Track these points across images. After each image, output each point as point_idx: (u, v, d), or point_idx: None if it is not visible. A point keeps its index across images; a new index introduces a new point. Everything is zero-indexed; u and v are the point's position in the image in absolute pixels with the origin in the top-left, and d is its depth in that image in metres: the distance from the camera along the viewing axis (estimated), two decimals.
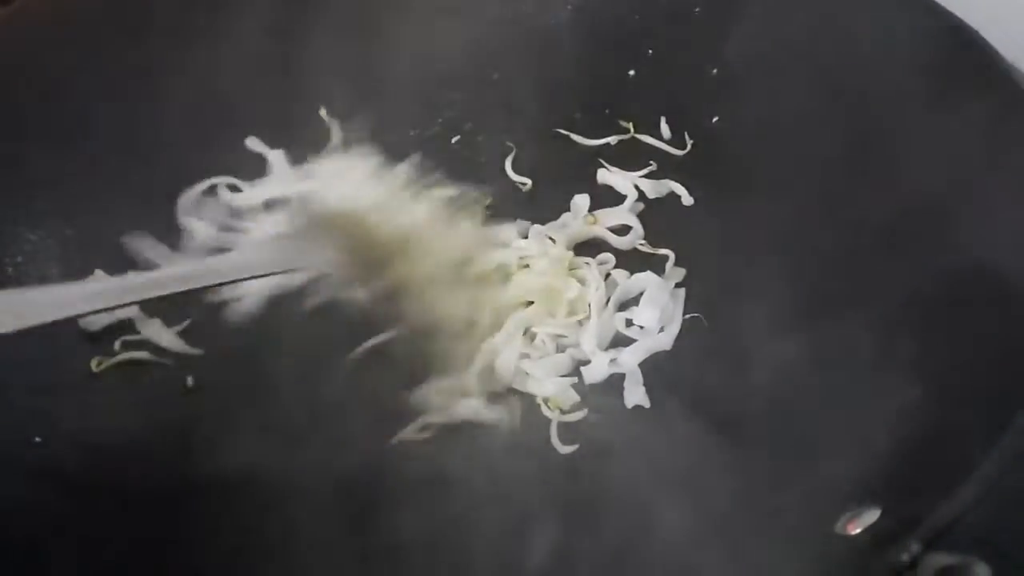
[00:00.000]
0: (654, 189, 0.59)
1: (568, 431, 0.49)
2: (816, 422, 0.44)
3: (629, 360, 0.52)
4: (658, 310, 0.54)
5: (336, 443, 0.48)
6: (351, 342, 0.50)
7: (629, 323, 0.54)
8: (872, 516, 0.35)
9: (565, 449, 0.48)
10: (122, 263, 0.53)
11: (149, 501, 0.44)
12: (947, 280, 0.44)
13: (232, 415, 0.48)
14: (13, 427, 0.45)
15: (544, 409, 0.50)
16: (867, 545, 0.34)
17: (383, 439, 0.48)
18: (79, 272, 0.52)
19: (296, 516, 0.44)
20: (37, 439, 0.43)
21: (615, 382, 0.51)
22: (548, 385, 0.51)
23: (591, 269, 0.55)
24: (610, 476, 0.46)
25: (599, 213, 0.58)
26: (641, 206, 0.59)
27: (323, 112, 0.62)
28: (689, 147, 0.60)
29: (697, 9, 0.62)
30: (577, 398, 0.50)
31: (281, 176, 0.58)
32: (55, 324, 0.38)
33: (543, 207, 0.58)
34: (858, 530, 0.35)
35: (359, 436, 0.48)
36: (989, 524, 0.34)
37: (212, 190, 0.58)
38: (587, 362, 0.52)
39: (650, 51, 0.63)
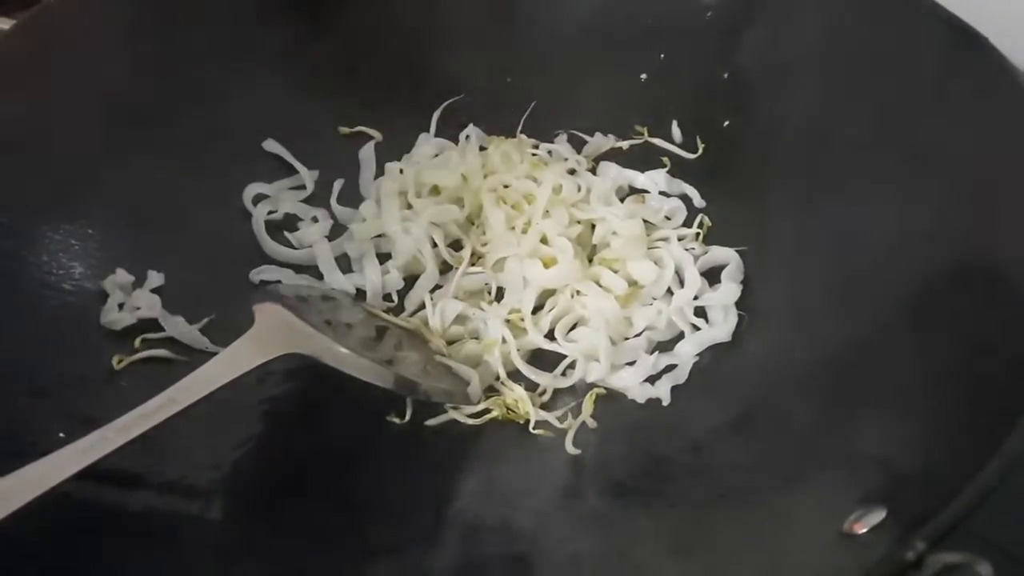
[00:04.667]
0: (668, 188, 0.60)
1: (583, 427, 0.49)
2: (823, 422, 0.44)
3: (687, 351, 0.51)
4: (739, 287, 0.53)
5: (361, 427, 0.49)
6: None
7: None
8: (878, 516, 0.36)
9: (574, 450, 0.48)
10: (143, 262, 0.54)
11: (172, 494, 0.45)
12: (953, 281, 0.44)
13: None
14: (37, 422, 0.46)
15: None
16: (873, 544, 0.34)
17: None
18: (101, 272, 0.53)
19: (312, 501, 0.45)
20: (61, 434, 0.44)
21: None
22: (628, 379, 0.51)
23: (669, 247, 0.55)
24: (618, 470, 0.47)
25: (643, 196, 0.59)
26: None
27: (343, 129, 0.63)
28: (701, 151, 0.61)
29: (709, 13, 0.62)
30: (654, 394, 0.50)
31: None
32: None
33: None
34: (864, 530, 0.36)
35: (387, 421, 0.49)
36: (993, 523, 0.35)
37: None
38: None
39: (662, 55, 0.63)
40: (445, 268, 0.56)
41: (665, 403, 0.50)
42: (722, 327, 0.52)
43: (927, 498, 0.34)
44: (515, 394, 0.50)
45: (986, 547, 0.31)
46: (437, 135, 0.62)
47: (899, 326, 0.45)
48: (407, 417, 0.49)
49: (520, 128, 0.61)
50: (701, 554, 0.41)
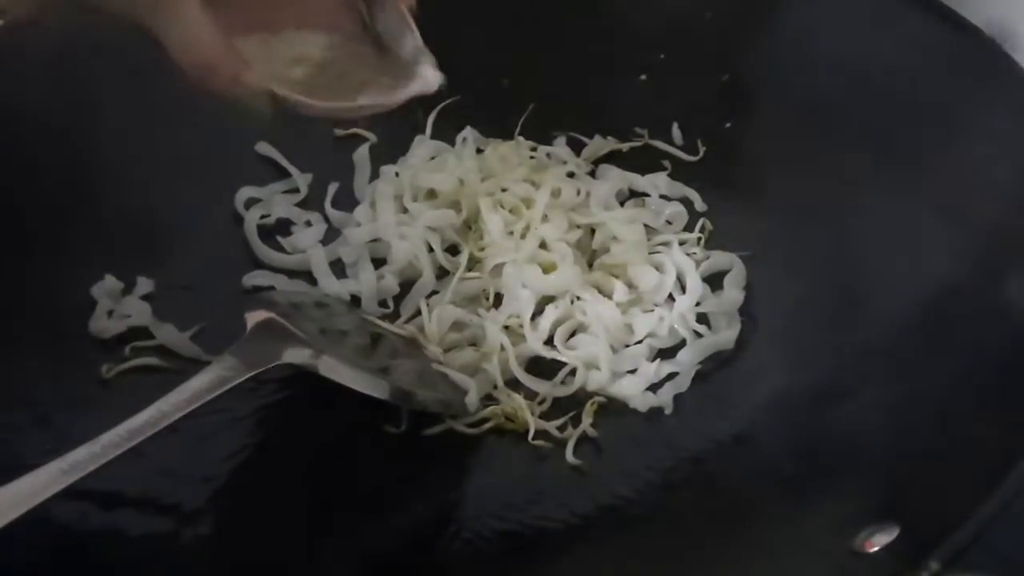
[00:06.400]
0: (669, 191, 0.59)
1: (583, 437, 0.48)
2: (831, 434, 0.44)
3: (689, 358, 0.50)
4: (742, 293, 0.53)
5: (357, 437, 0.48)
6: None
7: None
8: (891, 534, 0.35)
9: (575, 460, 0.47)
10: (132, 268, 0.53)
11: (162, 508, 0.44)
12: (962, 288, 0.44)
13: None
14: (24, 433, 0.45)
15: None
16: (885, 563, 0.34)
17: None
18: (89, 278, 0.52)
19: (308, 512, 0.45)
20: (48, 446, 0.43)
21: None
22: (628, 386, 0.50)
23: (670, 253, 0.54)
24: (619, 481, 0.46)
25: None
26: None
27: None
28: (702, 153, 0.60)
29: (709, 14, 0.62)
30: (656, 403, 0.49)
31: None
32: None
33: None
34: (876, 548, 0.35)
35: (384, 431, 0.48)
36: (1008, 542, 0.34)
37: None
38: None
39: (662, 56, 0.63)
40: (442, 273, 0.55)
41: (668, 412, 0.49)
42: (725, 334, 0.51)
43: (941, 515, 0.33)
44: (514, 403, 0.49)
45: (1003, 566, 0.30)
46: (433, 137, 0.61)
47: (908, 334, 0.44)
48: (403, 426, 0.48)
49: (518, 130, 0.60)
50: (703, 571, 0.40)
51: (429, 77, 0.45)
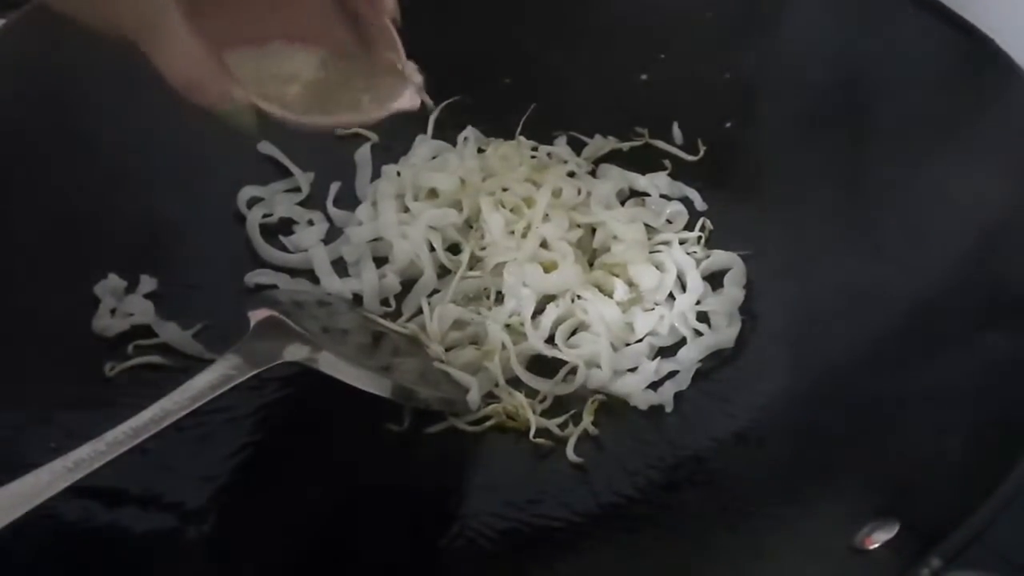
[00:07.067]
0: (670, 191, 0.59)
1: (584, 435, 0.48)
2: (831, 431, 0.44)
3: (689, 356, 0.50)
4: (742, 291, 0.53)
5: (359, 435, 0.48)
6: None
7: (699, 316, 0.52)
8: (891, 531, 0.35)
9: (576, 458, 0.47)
10: (135, 266, 0.53)
11: (164, 506, 0.44)
12: (966, 294, 0.44)
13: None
14: (27, 432, 0.45)
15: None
16: (885, 561, 0.34)
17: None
18: (92, 277, 0.52)
19: (310, 510, 0.45)
20: (52, 444, 0.43)
21: None
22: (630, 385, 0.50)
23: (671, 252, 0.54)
24: (620, 480, 0.46)
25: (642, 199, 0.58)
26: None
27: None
28: (702, 153, 0.60)
29: (709, 14, 0.62)
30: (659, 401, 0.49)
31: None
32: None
33: None
34: (876, 545, 0.35)
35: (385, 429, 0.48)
36: (1010, 540, 0.34)
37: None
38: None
39: (662, 55, 0.63)
40: (443, 272, 0.55)
41: (668, 410, 0.49)
42: (725, 332, 0.51)
43: (941, 511, 0.33)
44: (515, 401, 0.49)
45: (1005, 565, 0.30)
46: (435, 137, 0.61)
47: (908, 333, 0.45)
48: (405, 424, 0.48)
49: (519, 130, 0.60)
50: (704, 569, 0.40)
51: (411, 95, 0.45)
